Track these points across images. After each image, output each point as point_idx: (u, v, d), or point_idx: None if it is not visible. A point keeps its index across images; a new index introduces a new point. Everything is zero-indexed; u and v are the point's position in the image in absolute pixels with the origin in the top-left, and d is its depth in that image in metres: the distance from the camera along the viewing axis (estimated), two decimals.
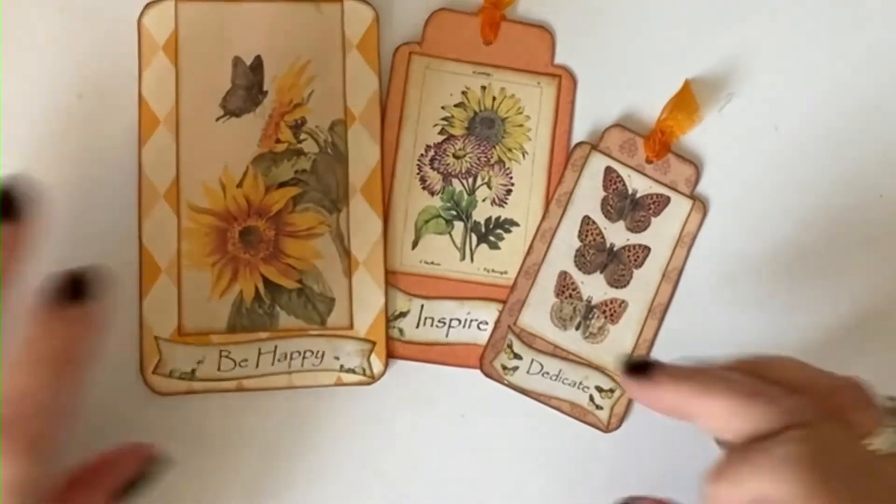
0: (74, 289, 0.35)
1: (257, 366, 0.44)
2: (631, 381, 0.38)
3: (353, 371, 0.44)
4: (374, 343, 0.44)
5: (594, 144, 0.45)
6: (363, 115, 0.44)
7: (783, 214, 0.46)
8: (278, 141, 0.44)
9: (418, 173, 0.45)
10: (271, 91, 0.44)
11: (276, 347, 0.43)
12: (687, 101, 0.44)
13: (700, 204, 0.45)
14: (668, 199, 0.45)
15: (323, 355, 0.44)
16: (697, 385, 0.37)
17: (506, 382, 0.44)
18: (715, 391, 0.37)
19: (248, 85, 0.42)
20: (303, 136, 0.44)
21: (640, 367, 0.38)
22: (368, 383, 0.44)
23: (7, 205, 0.34)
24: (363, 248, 0.44)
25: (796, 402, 0.36)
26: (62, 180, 0.43)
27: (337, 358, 0.44)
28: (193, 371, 0.43)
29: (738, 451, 0.36)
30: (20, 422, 0.34)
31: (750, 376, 0.37)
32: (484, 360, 0.44)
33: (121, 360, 0.43)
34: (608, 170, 0.44)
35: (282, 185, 0.44)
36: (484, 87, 0.45)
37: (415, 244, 0.45)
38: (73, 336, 0.35)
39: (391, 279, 0.44)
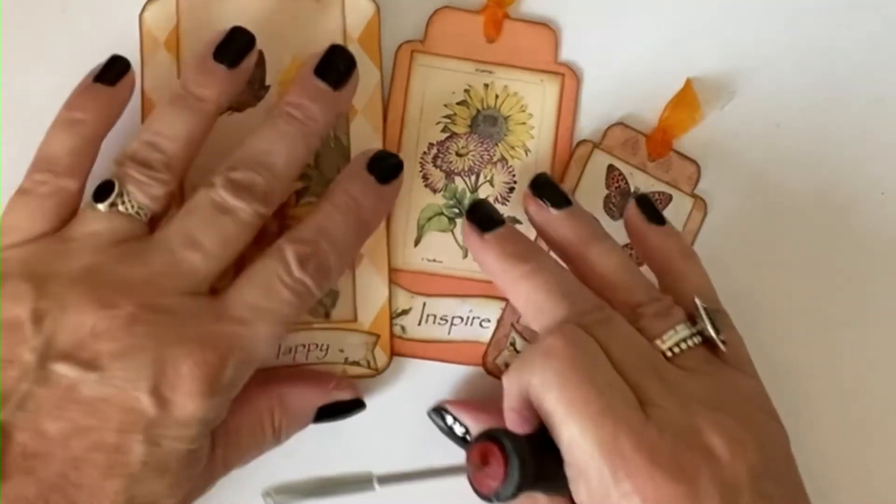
0: (391, 170, 0.41)
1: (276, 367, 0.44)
2: (467, 226, 0.41)
3: (357, 364, 0.44)
4: (378, 336, 0.44)
5: (596, 143, 0.45)
6: (365, 109, 0.44)
7: (784, 212, 0.46)
8: None
9: (420, 171, 0.45)
10: (274, 86, 0.43)
11: None
12: (689, 100, 0.44)
13: (701, 202, 0.45)
14: (669, 197, 0.45)
15: (327, 348, 0.44)
16: (517, 268, 0.39)
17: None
18: (529, 282, 0.39)
19: (251, 80, 0.42)
20: None
21: (481, 219, 0.41)
22: (372, 375, 0.44)
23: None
24: (366, 241, 0.44)
25: (592, 304, 0.38)
26: None
27: (342, 350, 0.44)
28: None
29: (528, 346, 0.37)
30: (320, 251, 0.38)
31: (570, 274, 0.39)
32: (487, 357, 0.44)
33: None
34: (610, 168, 0.45)
35: None
36: (487, 85, 0.45)
37: (417, 242, 0.45)
38: (379, 208, 0.41)
39: (393, 277, 0.44)
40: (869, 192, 0.46)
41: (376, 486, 0.33)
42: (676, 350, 0.38)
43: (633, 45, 0.45)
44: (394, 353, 0.44)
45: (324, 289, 0.39)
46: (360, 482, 0.33)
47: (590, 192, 0.45)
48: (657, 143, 0.44)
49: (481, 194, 0.45)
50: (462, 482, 0.36)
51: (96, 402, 0.35)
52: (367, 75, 0.44)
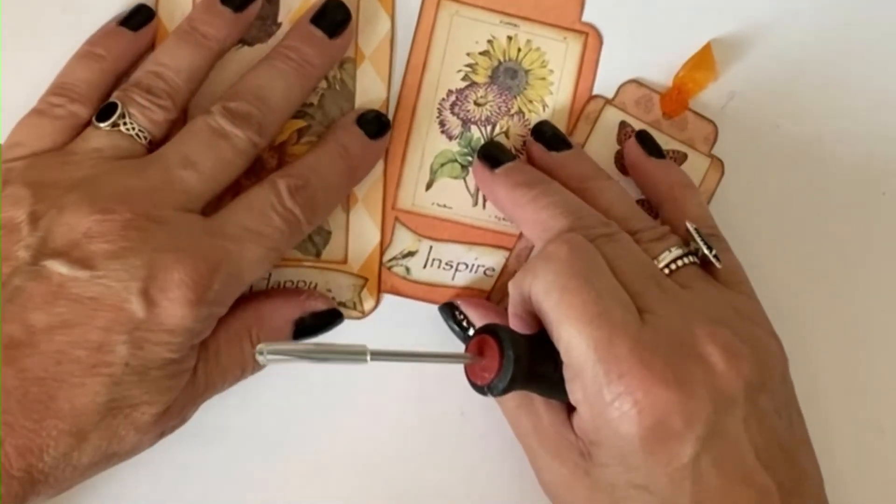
0: (379, 128, 0.43)
1: (250, 291, 0.44)
2: (478, 164, 0.43)
3: (344, 305, 0.45)
4: (366, 279, 0.45)
5: (609, 99, 0.45)
6: (373, 56, 0.45)
7: (784, 212, 0.46)
8: None
9: (438, 117, 0.46)
10: (285, 23, 0.44)
11: (269, 275, 0.44)
12: (706, 61, 0.44)
13: (718, 162, 0.45)
14: (684, 156, 0.45)
15: (315, 287, 0.44)
16: (526, 194, 0.41)
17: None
18: (536, 203, 0.41)
19: (263, 15, 0.44)
20: None
21: (490, 157, 0.43)
22: (358, 318, 0.45)
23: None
24: (362, 185, 0.45)
25: (597, 220, 0.40)
26: None
27: (329, 290, 0.44)
28: None
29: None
30: (309, 186, 0.40)
31: (576, 197, 0.41)
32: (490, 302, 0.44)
33: None
34: (622, 124, 0.45)
35: None
36: (510, 38, 0.46)
37: (429, 186, 0.45)
38: (367, 158, 0.43)
39: (402, 218, 0.45)
40: (870, 192, 0.46)
41: (369, 359, 0.33)
42: (673, 267, 0.39)
43: (659, 8, 0.46)
44: (397, 293, 0.45)
45: (312, 223, 0.41)
46: (354, 353, 0.33)
47: (600, 148, 0.45)
48: (672, 101, 0.44)
49: None
50: None
51: (85, 300, 0.36)
52: (378, 23, 0.45)
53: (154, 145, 0.40)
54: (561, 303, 0.36)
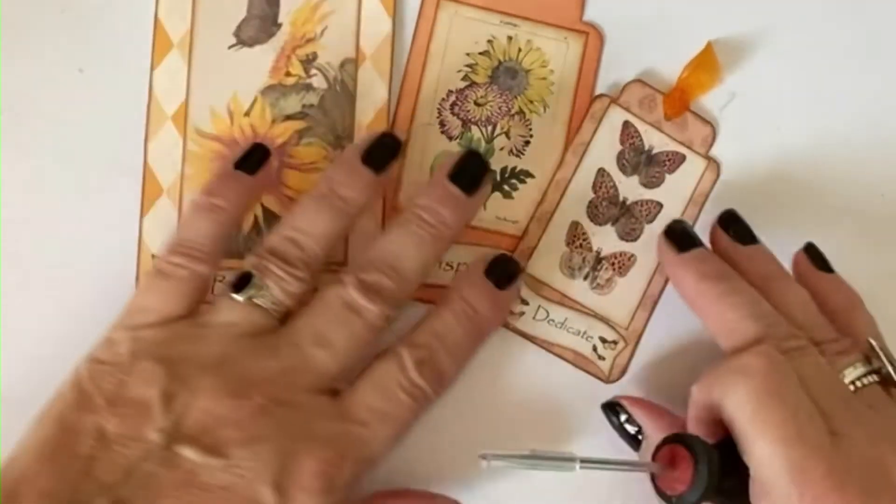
0: (509, 276, 0.42)
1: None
2: (664, 243, 0.42)
3: None
4: None
5: (614, 98, 0.45)
6: (374, 56, 0.45)
7: (784, 213, 0.46)
8: (288, 74, 0.45)
9: (438, 117, 0.45)
10: (285, 24, 0.44)
11: None
12: (709, 62, 0.44)
13: (714, 164, 0.45)
14: (683, 157, 0.45)
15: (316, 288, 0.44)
16: (713, 288, 0.40)
17: (511, 327, 0.44)
18: (723, 301, 0.39)
19: (263, 16, 0.43)
20: (313, 71, 0.45)
21: (680, 238, 0.42)
22: None
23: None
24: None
25: (787, 331, 0.39)
26: (72, 97, 0.44)
27: None
28: None
29: (721, 361, 0.38)
30: (436, 356, 0.39)
31: (761, 298, 0.39)
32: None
33: (117, 277, 0.43)
34: (626, 124, 0.45)
35: (288, 117, 0.45)
36: (510, 38, 0.46)
37: None
38: (495, 313, 0.42)
39: None
40: (869, 195, 0.46)
41: (577, 467, 0.36)
42: (858, 384, 0.38)
43: (660, 7, 0.46)
44: None
45: (440, 393, 0.40)
46: (565, 461, 0.36)
47: (604, 148, 0.45)
48: (674, 102, 0.44)
49: (497, 145, 0.45)
50: None
51: (216, 489, 0.35)
52: (380, 23, 0.45)
53: (285, 315, 0.40)
54: (755, 419, 0.35)
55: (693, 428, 0.39)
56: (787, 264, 0.45)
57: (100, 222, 0.44)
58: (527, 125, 0.46)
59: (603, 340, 0.44)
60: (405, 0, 0.45)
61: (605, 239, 0.45)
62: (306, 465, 0.36)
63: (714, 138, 0.45)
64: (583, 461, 0.36)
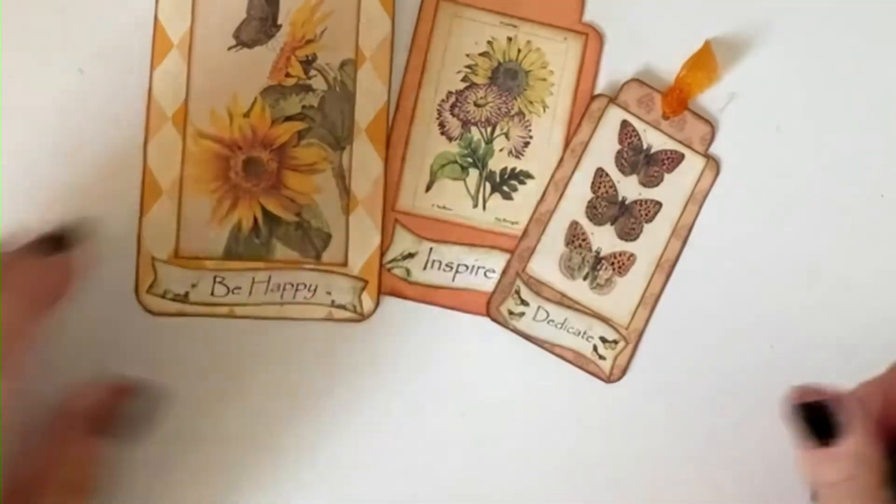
0: (57, 242, 0.39)
1: (250, 294, 0.44)
2: (808, 441, 0.37)
3: (343, 307, 0.44)
4: (366, 281, 0.44)
5: (612, 97, 0.45)
6: (374, 57, 0.45)
7: (784, 214, 0.46)
8: (288, 75, 0.45)
9: (438, 118, 0.45)
10: (285, 25, 0.44)
11: (269, 278, 0.44)
12: (706, 60, 0.44)
13: (713, 163, 0.45)
14: (682, 156, 0.45)
15: (315, 289, 0.44)
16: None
17: (511, 328, 0.44)
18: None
19: (263, 17, 0.43)
20: (312, 73, 0.45)
21: (822, 428, 0.37)
22: (358, 320, 0.44)
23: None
24: (363, 188, 0.44)
25: None
26: (72, 95, 0.44)
27: (329, 293, 0.44)
28: (187, 294, 0.44)
29: None
30: None
31: None
32: (491, 304, 0.44)
33: (117, 278, 0.43)
34: (624, 123, 0.45)
35: (288, 118, 0.44)
36: (510, 39, 0.46)
37: (428, 187, 0.45)
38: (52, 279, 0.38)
39: (402, 219, 0.45)
40: (869, 195, 0.46)
41: None
42: None
43: (659, 8, 0.46)
44: (397, 295, 0.45)
45: None
46: None
47: (602, 147, 0.45)
48: (672, 101, 0.44)
49: (497, 146, 0.45)
50: None
51: None
52: (379, 24, 0.45)
53: None
54: None
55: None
56: (788, 269, 0.45)
57: (100, 222, 0.44)
58: (526, 126, 0.46)
59: (603, 340, 0.44)
60: (405, 1, 0.45)
61: (604, 239, 0.45)
62: None
63: (713, 137, 0.45)
64: None
